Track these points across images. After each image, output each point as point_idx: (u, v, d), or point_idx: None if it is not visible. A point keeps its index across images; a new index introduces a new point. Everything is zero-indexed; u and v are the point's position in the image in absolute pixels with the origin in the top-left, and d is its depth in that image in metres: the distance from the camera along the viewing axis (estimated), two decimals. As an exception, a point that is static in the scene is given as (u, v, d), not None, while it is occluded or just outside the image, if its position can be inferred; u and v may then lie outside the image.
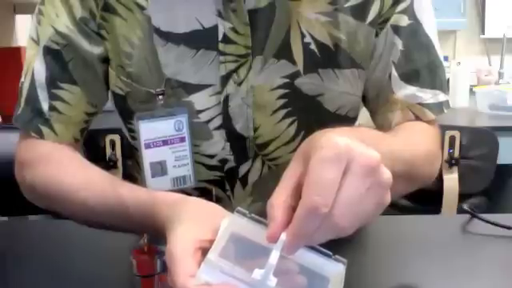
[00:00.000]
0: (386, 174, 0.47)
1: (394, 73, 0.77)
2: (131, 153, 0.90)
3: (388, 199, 0.48)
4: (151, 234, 0.60)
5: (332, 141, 0.45)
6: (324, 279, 0.50)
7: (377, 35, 0.76)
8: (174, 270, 0.47)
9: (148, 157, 0.75)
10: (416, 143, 0.74)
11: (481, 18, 2.76)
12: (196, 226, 0.51)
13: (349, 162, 0.45)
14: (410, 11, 0.75)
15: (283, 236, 0.46)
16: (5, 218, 1.47)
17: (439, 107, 0.78)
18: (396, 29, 0.76)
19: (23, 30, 2.39)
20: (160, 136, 0.74)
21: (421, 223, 0.91)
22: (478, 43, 2.81)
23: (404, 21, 0.75)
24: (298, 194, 0.46)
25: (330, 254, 0.51)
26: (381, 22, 0.76)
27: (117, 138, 1.67)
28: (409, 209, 1.94)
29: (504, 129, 1.92)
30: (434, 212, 1.80)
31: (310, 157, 0.45)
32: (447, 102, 0.80)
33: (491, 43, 2.76)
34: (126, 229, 0.65)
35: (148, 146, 0.74)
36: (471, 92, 2.33)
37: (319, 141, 0.46)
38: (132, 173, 0.93)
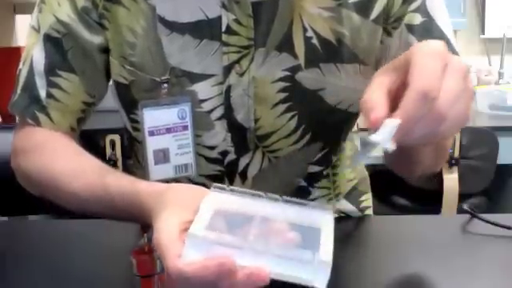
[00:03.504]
0: (472, 85, 0.51)
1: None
2: (131, 152, 0.91)
3: (469, 114, 0.51)
4: (140, 223, 0.60)
5: (431, 43, 0.49)
6: (315, 231, 0.51)
7: (390, 35, 0.77)
8: (163, 256, 0.47)
9: (151, 144, 0.76)
10: None
11: (481, 18, 2.76)
12: (179, 210, 0.51)
13: (447, 63, 0.48)
14: (422, 9, 0.76)
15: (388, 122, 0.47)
16: (5, 218, 1.47)
17: None
18: (410, 28, 0.76)
19: (23, 30, 2.39)
20: (163, 124, 0.75)
21: (421, 223, 0.91)
22: (478, 43, 2.80)
23: (417, 19, 0.76)
24: (390, 96, 0.49)
25: (316, 204, 0.53)
26: (393, 21, 0.76)
27: (117, 138, 1.67)
28: (409, 209, 1.94)
29: (504, 129, 1.92)
30: (434, 212, 1.80)
31: (406, 61, 0.49)
32: None
33: (491, 43, 2.76)
34: (115, 218, 0.66)
35: (152, 134, 0.75)
36: (471, 92, 2.32)
37: (417, 46, 0.50)
38: (132, 171, 0.94)
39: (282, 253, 0.46)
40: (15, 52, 2.05)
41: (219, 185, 0.54)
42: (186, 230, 0.49)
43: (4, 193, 1.23)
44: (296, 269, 0.46)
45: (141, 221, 0.59)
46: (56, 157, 0.73)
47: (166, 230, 0.49)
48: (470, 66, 0.50)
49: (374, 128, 0.48)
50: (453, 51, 0.78)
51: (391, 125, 0.47)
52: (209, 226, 0.48)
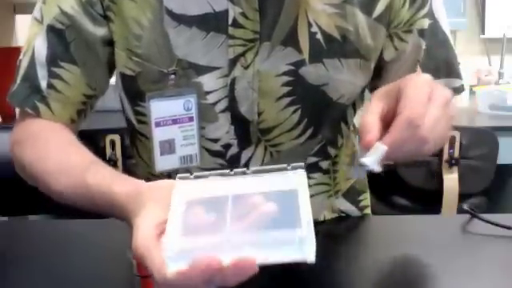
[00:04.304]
0: (453, 110, 0.61)
1: (419, 70, 0.82)
2: (132, 148, 0.91)
3: (449, 132, 0.62)
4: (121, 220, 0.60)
5: (420, 76, 0.60)
6: (292, 193, 0.50)
7: (403, 40, 0.80)
8: (145, 264, 0.47)
9: (158, 135, 0.76)
10: None
11: (481, 18, 2.76)
12: (154, 209, 0.51)
13: (432, 92, 0.58)
14: (429, 13, 0.80)
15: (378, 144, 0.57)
16: (5, 218, 1.47)
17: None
18: (421, 32, 0.80)
19: (23, 29, 2.39)
20: (170, 115, 0.76)
21: (421, 223, 0.91)
22: (478, 43, 2.80)
23: (426, 23, 0.80)
24: (382, 119, 0.59)
25: (285, 165, 0.53)
26: (402, 25, 0.80)
27: (117, 138, 1.67)
28: (409, 209, 1.94)
29: (504, 129, 1.92)
30: (434, 212, 1.80)
31: (398, 90, 0.59)
32: (461, 86, 0.86)
33: (491, 43, 2.75)
34: (101, 214, 0.65)
35: (158, 125, 0.76)
36: (471, 92, 2.32)
37: (407, 78, 0.60)
38: (132, 171, 0.94)
39: (263, 239, 0.45)
40: (15, 52, 2.03)
41: (183, 175, 0.54)
42: (162, 232, 0.49)
43: (4, 193, 1.23)
44: (281, 252, 0.45)
45: (121, 219, 0.59)
46: (47, 151, 0.73)
47: (140, 237, 0.49)
48: (452, 92, 0.62)
49: (366, 148, 0.58)
50: (451, 49, 0.84)
51: (379, 150, 0.57)
52: (184, 229, 0.47)
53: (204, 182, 0.53)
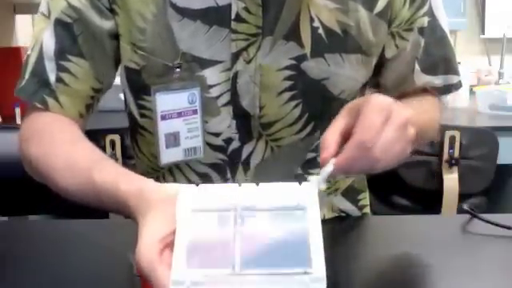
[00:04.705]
0: (411, 131, 0.62)
1: (417, 67, 0.85)
2: (133, 143, 0.91)
3: (408, 151, 0.63)
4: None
5: (379, 97, 0.61)
6: (302, 213, 0.51)
7: (404, 39, 0.82)
8: (152, 282, 0.48)
9: (163, 128, 0.77)
10: (431, 113, 0.86)
11: (481, 18, 2.76)
12: (158, 221, 0.51)
13: (389, 115, 0.59)
14: (429, 11, 0.82)
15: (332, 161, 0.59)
16: (5, 218, 1.47)
17: (448, 89, 0.88)
18: (421, 30, 0.82)
19: (23, 29, 2.39)
20: (175, 108, 0.77)
21: (421, 223, 0.91)
22: (478, 43, 2.80)
23: (425, 21, 0.82)
24: (344, 137, 0.60)
25: (293, 183, 0.54)
26: (403, 24, 0.81)
27: (117, 138, 1.67)
28: (409, 209, 1.94)
29: (504, 129, 1.92)
30: (434, 212, 1.80)
31: (358, 109, 0.60)
32: (459, 82, 0.88)
33: (491, 43, 2.75)
34: (107, 211, 0.65)
35: (164, 118, 0.77)
36: (471, 92, 2.32)
37: (368, 98, 0.61)
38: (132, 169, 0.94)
39: (273, 276, 0.45)
40: (15, 52, 2.04)
41: (189, 185, 0.53)
42: (166, 246, 0.49)
43: (4, 193, 1.23)
44: None
45: (126, 216, 0.59)
46: (52, 144, 0.73)
47: (143, 249, 0.49)
48: (409, 114, 0.62)
49: (323, 164, 0.59)
50: (449, 46, 0.86)
51: (326, 170, 0.59)
52: (191, 256, 0.47)
53: (210, 190, 0.52)
